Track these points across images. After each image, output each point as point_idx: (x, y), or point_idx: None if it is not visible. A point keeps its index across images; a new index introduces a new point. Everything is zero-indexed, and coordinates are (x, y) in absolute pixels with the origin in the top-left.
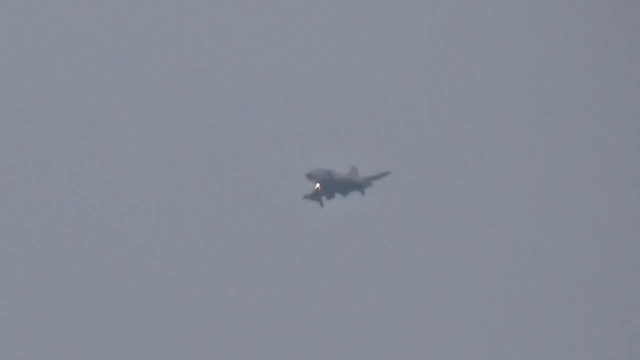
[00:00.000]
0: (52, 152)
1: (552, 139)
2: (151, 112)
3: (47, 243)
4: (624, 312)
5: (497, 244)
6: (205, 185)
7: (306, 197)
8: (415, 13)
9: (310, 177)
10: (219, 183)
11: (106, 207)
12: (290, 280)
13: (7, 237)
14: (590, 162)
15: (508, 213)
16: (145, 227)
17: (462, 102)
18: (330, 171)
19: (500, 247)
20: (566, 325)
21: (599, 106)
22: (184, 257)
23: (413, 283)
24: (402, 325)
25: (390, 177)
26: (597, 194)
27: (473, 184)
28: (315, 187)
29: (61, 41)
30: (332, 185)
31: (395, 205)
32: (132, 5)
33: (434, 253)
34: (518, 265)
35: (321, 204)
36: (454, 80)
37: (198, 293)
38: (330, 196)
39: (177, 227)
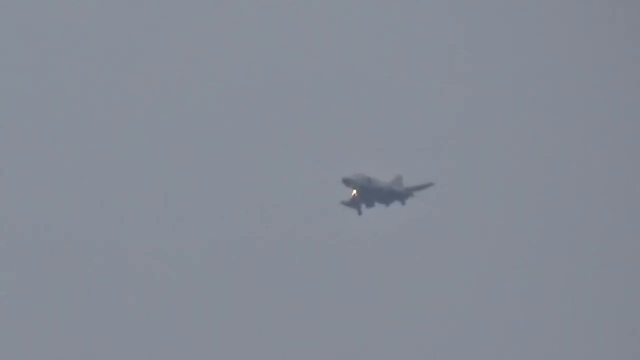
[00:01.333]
0: (51, 151)
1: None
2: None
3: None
4: (624, 312)
5: (546, 256)
6: (230, 186)
7: (344, 203)
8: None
9: (348, 182)
10: (245, 187)
11: (105, 208)
12: (312, 293)
13: (6, 236)
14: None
15: (557, 220)
16: (156, 234)
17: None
18: (369, 178)
19: (552, 257)
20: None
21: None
22: (203, 268)
23: (453, 302)
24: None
25: (433, 188)
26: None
27: (515, 200)
28: (352, 194)
29: (61, 41)
30: (370, 193)
31: (436, 217)
32: (132, 5)
33: (477, 269)
34: (569, 277)
35: (359, 212)
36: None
37: (219, 305)
38: (369, 204)
39: (201, 236)
